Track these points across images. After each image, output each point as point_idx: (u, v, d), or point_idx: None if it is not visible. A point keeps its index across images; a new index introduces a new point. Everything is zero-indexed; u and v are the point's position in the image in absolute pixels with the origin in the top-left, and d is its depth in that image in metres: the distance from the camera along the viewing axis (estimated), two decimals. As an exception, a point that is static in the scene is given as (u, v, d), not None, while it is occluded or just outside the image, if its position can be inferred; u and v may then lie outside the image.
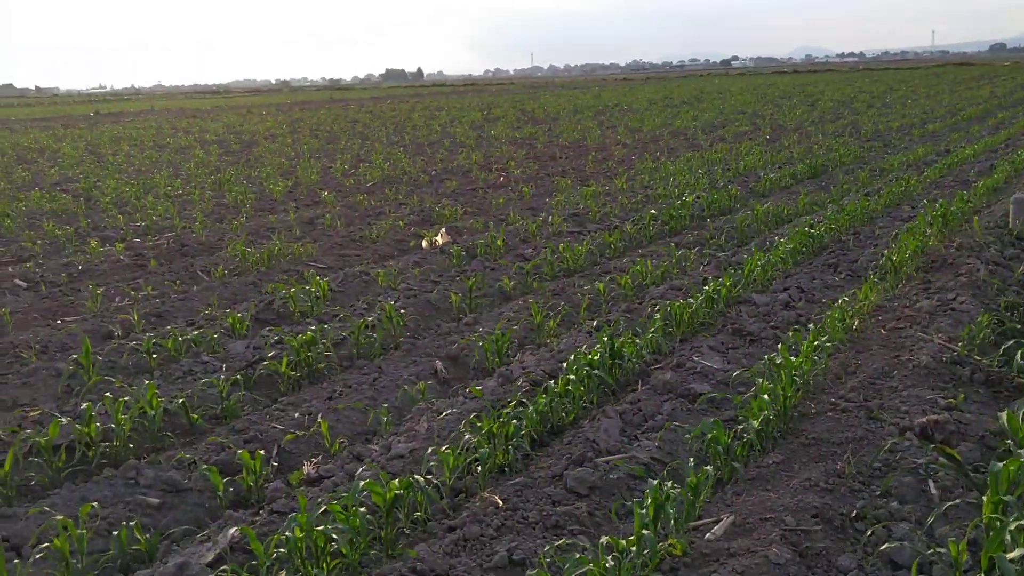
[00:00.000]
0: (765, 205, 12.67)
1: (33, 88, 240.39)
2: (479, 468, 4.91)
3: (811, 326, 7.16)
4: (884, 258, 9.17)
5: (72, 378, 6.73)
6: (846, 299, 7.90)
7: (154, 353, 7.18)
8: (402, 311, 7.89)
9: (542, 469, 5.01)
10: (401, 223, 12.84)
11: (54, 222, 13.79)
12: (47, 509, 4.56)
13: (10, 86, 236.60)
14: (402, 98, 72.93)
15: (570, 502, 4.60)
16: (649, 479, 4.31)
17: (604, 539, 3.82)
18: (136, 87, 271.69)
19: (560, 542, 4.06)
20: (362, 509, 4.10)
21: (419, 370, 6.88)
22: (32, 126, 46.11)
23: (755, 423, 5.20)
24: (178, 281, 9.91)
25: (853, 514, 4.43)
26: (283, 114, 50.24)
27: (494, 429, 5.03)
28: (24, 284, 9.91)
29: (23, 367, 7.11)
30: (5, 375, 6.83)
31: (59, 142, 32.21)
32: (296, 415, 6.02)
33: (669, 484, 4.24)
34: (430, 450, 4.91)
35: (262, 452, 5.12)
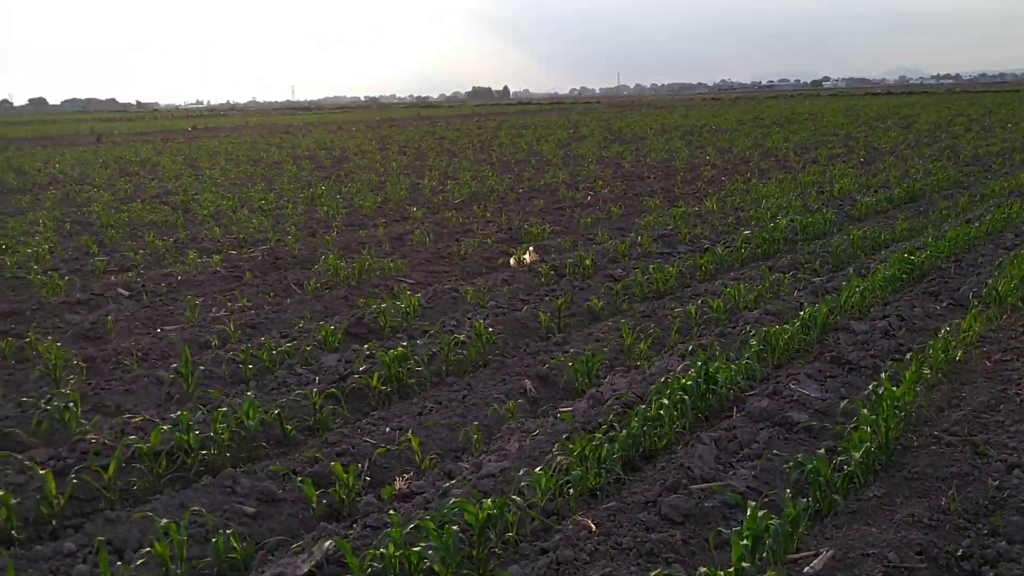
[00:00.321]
0: (861, 230, 12.39)
1: (134, 103, 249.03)
2: (571, 490, 4.87)
3: (911, 356, 6.95)
4: (988, 287, 8.86)
5: (172, 386, 6.89)
6: (948, 329, 7.65)
7: (250, 364, 7.31)
8: (491, 329, 7.90)
9: (635, 494, 4.95)
10: (489, 240, 12.90)
11: (154, 233, 14.22)
12: (149, 514, 4.65)
13: (113, 100, 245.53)
14: (488, 116, 73.54)
15: (664, 529, 4.52)
16: (747, 509, 4.21)
17: (702, 569, 3.74)
18: (232, 103, 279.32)
19: (656, 572, 3.98)
20: (454, 527, 4.09)
21: (508, 388, 6.87)
22: (133, 140, 47.74)
23: (857, 455, 5.06)
24: (272, 293, 10.10)
25: (959, 553, 4.27)
26: (372, 131, 51.09)
27: (586, 451, 4.99)
28: (126, 293, 10.21)
29: (125, 374, 7.32)
30: (109, 381, 7.03)
31: (159, 155, 33.27)
32: (387, 430, 6.06)
33: (766, 514, 4.15)
34: (522, 471, 4.88)
35: (356, 466, 5.16)
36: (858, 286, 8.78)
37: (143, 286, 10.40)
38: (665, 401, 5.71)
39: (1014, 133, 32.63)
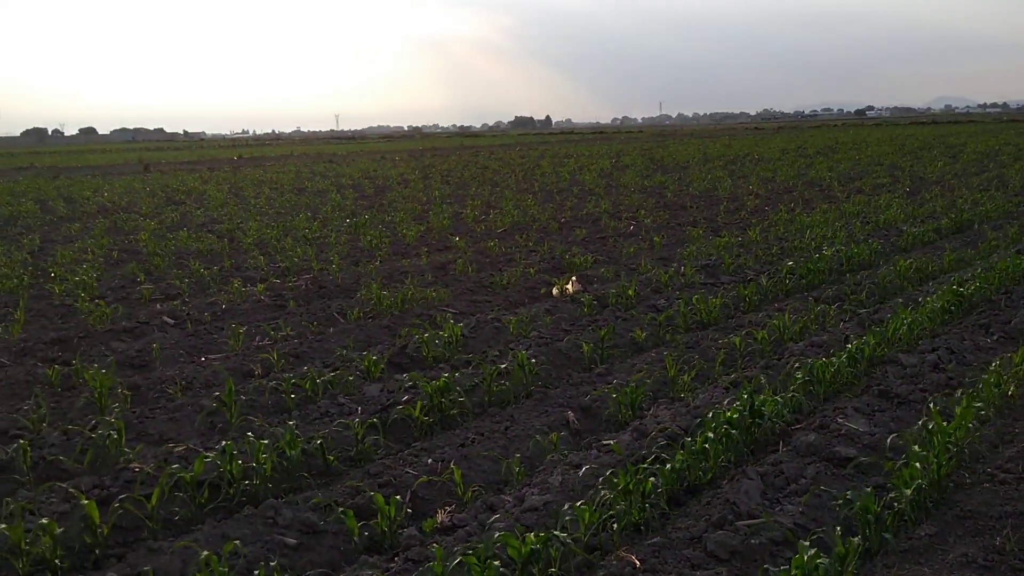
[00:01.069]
0: (908, 260, 12.20)
1: (182, 132, 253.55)
2: (615, 525, 4.79)
3: (962, 390, 6.80)
4: (1041, 320, 8.67)
5: (215, 415, 6.93)
6: (999, 363, 7.47)
7: (292, 393, 7.33)
8: (533, 359, 7.85)
9: (679, 529, 4.87)
10: (531, 270, 12.88)
11: (200, 262, 14.38)
12: (191, 545, 4.65)
13: (160, 130, 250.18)
14: (531, 145, 73.80)
15: (710, 567, 4.44)
16: (796, 546, 4.11)
17: (750, 609, 3.66)
18: (277, 132, 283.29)
19: (702, 610, 3.91)
20: (496, 563, 4.04)
21: (551, 420, 6.81)
22: (180, 169, 48.51)
23: (908, 492, 4.94)
24: (315, 322, 10.14)
25: (1017, 596, 4.14)
26: (415, 160, 51.48)
27: (630, 485, 4.92)
28: (172, 321, 10.31)
29: (169, 403, 7.37)
30: (153, 410, 7.08)
31: (205, 184, 33.75)
32: (429, 461, 6.02)
33: (816, 553, 4.05)
34: (566, 505, 4.82)
35: (397, 497, 5.13)
36: (906, 318, 8.62)
37: (188, 314, 10.50)
38: (710, 435, 5.63)
39: (1064, 162, 32.09)
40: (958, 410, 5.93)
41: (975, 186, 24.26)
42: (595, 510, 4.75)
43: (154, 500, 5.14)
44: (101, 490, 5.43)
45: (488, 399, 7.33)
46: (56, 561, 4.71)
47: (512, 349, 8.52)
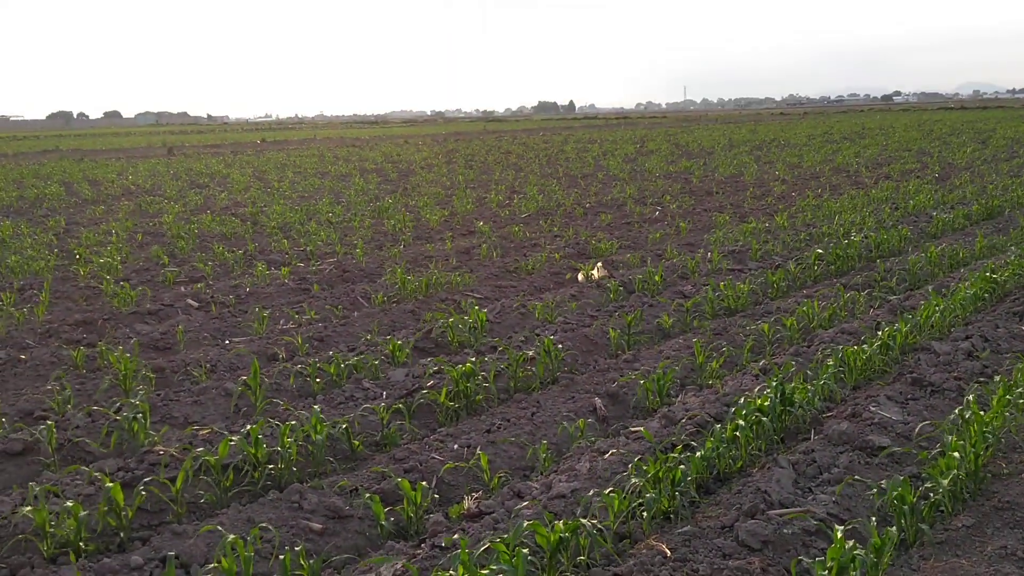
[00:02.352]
0: (938, 247, 12.01)
1: (205, 116, 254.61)
2: (644, 514, 4.71)
3: (998, 378, 6.66)
4: (1078, 308, 8.50)
5: (240, 398, 6.89)
6: (1036, 351, 7.33)
7: (317, 378, 7.29)
8: (559, 345, 7.77)
9: (710, 519, 4.78)
10: (557, 255, 12.78)
11: (223, 245, 14.39)
12: (218, 528, 4.61)
13: (184, 114, 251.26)
14: (554, 130, 73.49)
15: (742, 556, 4.35)
16: (831, 537, 4.02)
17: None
18: (299, 116, 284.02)
19: (735, 601, 3.82)
20: (525, 551, 3.97)
21: (578, 407, 6.73)
22: (204, 152, 48.63)
23: (944, 482, 4.83)
24: (339, 306, 10.09)
25: (1059, 590, 4.03)
26: (438, 144, 51.37)
27: (660, 473, 4.83)
28: (196, 304, 10.29)
29: (194, 385, 7.35)
30: (177, 392, 7.06)
31: (228, 168, 33.81)
32: (455, 446, 5.96)
33: (851, 544, 3.96)
34: (592, 492, 4.75)
35: (423, 483, 5.07)
36: (938, 305, 8.48)
37: (212, 297, 10.48)
38: (741, 422, 5.53)
39: (1097, 148, 31.60)
40: (994, 399, 5.81)
41: (1005, 172, 23.92)
42: (624, 498, 4.68)
43: (179, 483, 5.11)
44: (126, 472, 5.40)
45: (514, 385, 7.25)
46: (81, 544, 4.69)
47: (538, 335, 8.45)
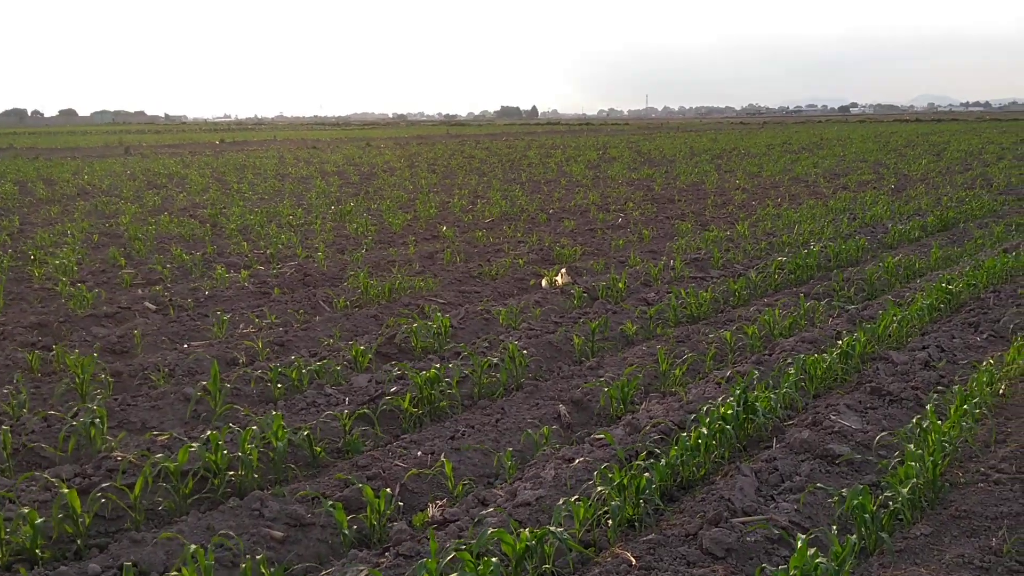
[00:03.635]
0: (895, 257, 12.18)
1: (163, 115, 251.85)
2: (609, 521, 4.72)
3: (955, 388, 6.76)
4: (1031, 319, 8.65)
5: (199, 403, 6.80)
6: (991, 361, 7.45)
7: (279, 383, 7.21)
8: (524, 351, 7.76)
9: (674, 526, 4.79)
10: (521, 261, 12.78)
11: (182, 247, 14.21)
12: (177, 536, 4.54)
13: (141, 113, 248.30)
14: (517, 135, 73.59)
15: (706, 564, 4.36)
16: (793, 545, 4.05)
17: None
18: (259, 117, 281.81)
19: (700, 610, 3.83)
20: (493, 559, 3.95)
21: (542, 413, 6.73)
22: (161, 152, 48.06)
23: (904, 490, 4.89)
24: (301, 310, 10.01)
25: (1016, 599, 4.09)
26: (400, 148, 51.19)
27: (625, 481, 4.84)
28: (153, 307, 10.16)
29: (152, 390, 7.24)
30: (135, 397, 6.95)
31: (186, 168, 33.44)
32: (418, 453, 5.93)
33: (813, 551, 3.99)
34: (561, 501, 4.74)
35: (387, 491, 5.03)
36: (896, 315, 8.59)
37: (170, 300, 10.34)
38: (705, 430, 5.56)
39: (1048, 162, 32.25)
40: (952, 409, 5.89)
41: (960, 184, 24.33)
42: (589, 506, 4.68)
43: (137, 490, 5.03)
44: (83, 479, 5.30)
45: (478, 391, 7.23)
46: (36, 551, 4.59)
47: (502, 341, 8.43)
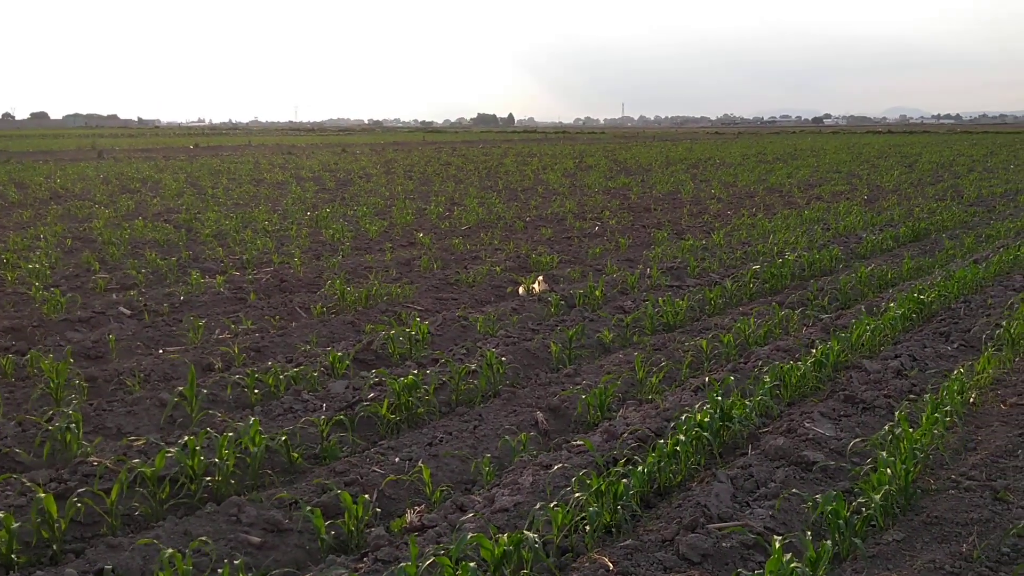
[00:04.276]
0: (868, 267, 12.32)
1: (136, 119, 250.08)
2: (587, 527, 4.75)
3: (926, 397, 6.86)
4: (1001, 329, 8.78)
5: (175, 409, 6.77)
6: (962, 370, 7.56)
7: (255, 388, 7.20)
8: (502, 359, 7.79)
9: (651, 532, 4.83)
10: (497, 268, 12.81)
11: (156, 252, 14.13)
12: (154, 541, 4.53)
13: (114, 116, 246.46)
14: (494, 143, 73.70)
15: (683, 569, 4.40)
16: (769, 550, 4.10)
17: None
18: (234, 122, 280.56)
19: (677, 614, 3.87)
20: (471, 564, 3.98)
21: (520, 420, 6.76)
22: (135, 156, 47.75)
23: (876, 497, 4.95)
24: (277, 316, 9.99)
25: (986, 603, 4.16)
26: (377, 154, 51.15)
27: (602, 487, 4.88)
28: (128, 312, 10.09)
29: (127, 395, 7.20)
30: (110, 402, 6.91)
31: (160, 173, 33.24)
32: (396, 460, 5.94)
33: (788, 557, 4.04)
34: (539, 506, 4.77)
35: (365, 496, 5.04)
36: (869, 325, 8.69)
37: (145, 305, 10.29)
38: (682, 437, 5.61)
39: (1017, 175, 32.72)
40: (924, 417, 5.97)
41: (931, 195, 24.64)
42: (567, 512, 4.71)
43: (113, 495, 5.00)
44: (59, 484, 5.27)
45: (456, 398, 7.25)
46: (12, 556, 4.57)
47: (479, 348, 8.46)
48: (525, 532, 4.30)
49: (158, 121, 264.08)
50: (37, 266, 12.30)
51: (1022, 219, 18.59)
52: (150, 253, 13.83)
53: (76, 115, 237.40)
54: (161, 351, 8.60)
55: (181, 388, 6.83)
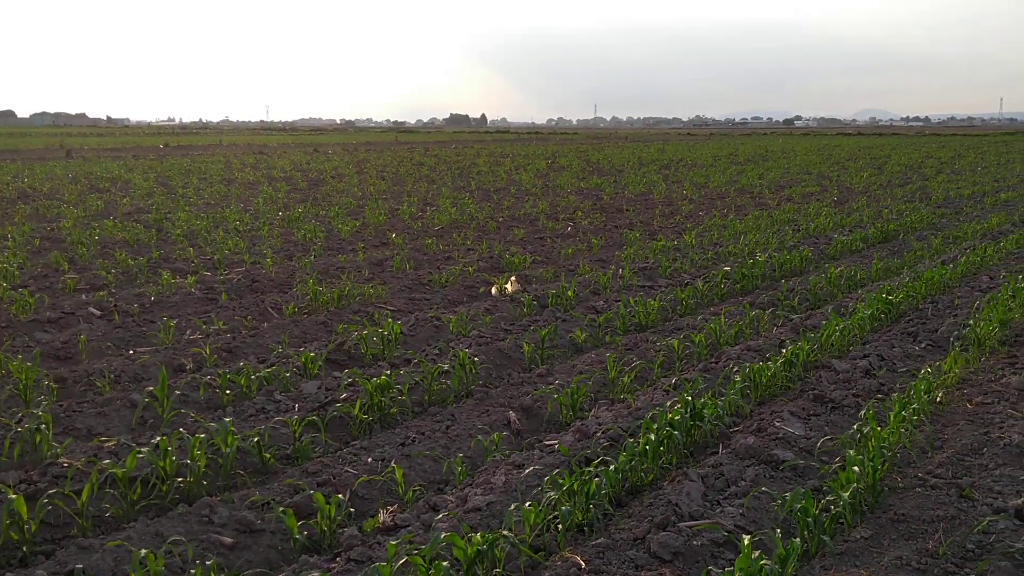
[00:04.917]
0: (838, 268, 12.45)
1: (105, 118, 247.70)
2: (559, 526, 4.78)
3: (894, 396, 6.94)
4: (968, 329, 8.90)
5: (146, 410, 6.73)
6: (929, 370, 7.66)
7: (227, 389, 7.17)
8: (475, 359, 7.81)
9: (623, 531, 4.87)
10: (470, 269, 12.82)
11: (127, 252, 14.02)
12: (125, 543, 4.51)
13: (83, 115, 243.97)
14: (466, 143, 73.69)
15: (654, 567, 4.44)
16: (740, 548, 4.14)
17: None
18: (204, 121, 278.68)
19: (648, 611, 3.91)
20: (444, 563, 3.99)
21: (492, 420, 6.78)
22: (104, 155, 47.30)
23: (845, 495, 5.02)
24: (249, 317, 9.94)
25: (951, 599, 4.23)
26: (349, 154, 50.98)
27: (575, 486, 4.91)
28: (98, 312, 10.01)
29: (97, 396, 7.15)
30: (80, 403, 6.86)
31: (130, 172, 32.95)
32: (369, 460, 5.94)
33: (758, 554, 4.09)
34: (512, 506, 4.79)
35: (338, 496, 5.04)
36: (838, 325, 8.79)
37: (115, 306, 10.21)
38: (653, 436, 5.65)
39: (983, 177, 33.14)
40: (891, 416, 6.05)
41: (900, 197, 24.91)
42: (540, 511, 4.73)
43: (84, 496, 4.98)
44: (28, 485, 5.23)
45: (429, 398, 7.26)
46: (-19, 558, 4.53)
47: (452, 348, 8.47)
48: (499, 531, 4.32)
49: (127, 120, 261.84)
50: (5, 266, 12.17)
51: (989, 221, 18.82)
52: (120, 253, 13.72)
53: (44, 113, 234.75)
54: (132, 352, 8.54)
55: (152, 389, 6.80)
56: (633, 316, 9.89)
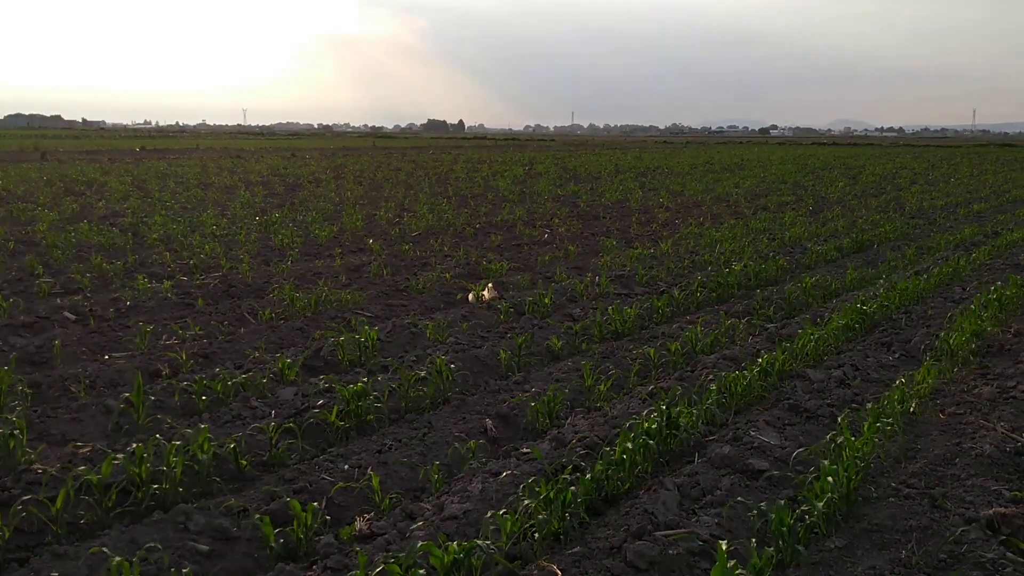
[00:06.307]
0: (813, 278, 12.55)
1: (80, 120, 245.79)
2: (536, 535, 4.79)
3: (868, 406, 7.01)
4: (940, 340, 9.00)
5: (121, 416, 6.69)
6: (902, 380, 7.74)
7: (203, 395, 7.14)
8: (451, 366, 7.81)
9: (599, 540, 4.89)
10: (447, 275, 12.82)
11: (102, 256, 13.92)
12: (102, 550, 4.48)
13: (58, 117, 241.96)
14: (444, 149, 73.68)
15: (630, 576, 4.47)
16: (715, 558, 4.17)
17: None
18: (181, 125, 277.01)
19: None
20: (421, 572, 4.00)
21: (469, 427, 6.78)
22: (79, 158, 46.93)
23: (819, 504, 5.07)
24: (225, 322, 9.90)
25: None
26: (326, 159, 50.84)
27: (551, 495, 4.92)
28: (73, 317, 9.94)
29: (72, 402, 7.10)
30: (55, 409, 6.81)
31: (106, 175, 32.71)
32: (345, 467, 5.93)
33: (733, 563, 4.12)
34: (489, 514, 4.80)
35: (314, 504, 5.03)
36: (813, 334, 8.86)
37: (90, 310, 10.13)
38: (629, 445, 5.67)
39: (957, 188, 33.51)
40: (865, 426, 6.11)
41: (874, 207, 25.13)
42: (516, 519, 4.74)
43: (59, 503, 4.94)
44: (2, 491, 5.18)
45: (406, 405, 7.25)
46: (-47, 566, 4.49)
47: (429, 355, 8.47)
48: (475, 540, 4.34)
49: (103, 123, 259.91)
50: (-22, 269, 12.06)
51: (962, 232, 19.03)
52: (96, 257, 13.62)
53: (18, 115, 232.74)
54: (107, 357, 8.48)
55: (127, 394, 6.76)
56: (610, 324, 9.92)
